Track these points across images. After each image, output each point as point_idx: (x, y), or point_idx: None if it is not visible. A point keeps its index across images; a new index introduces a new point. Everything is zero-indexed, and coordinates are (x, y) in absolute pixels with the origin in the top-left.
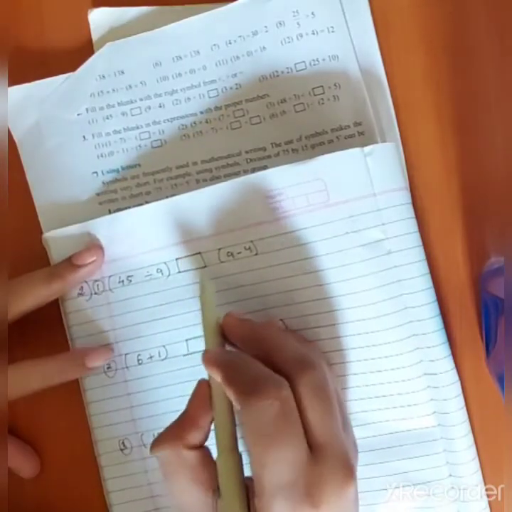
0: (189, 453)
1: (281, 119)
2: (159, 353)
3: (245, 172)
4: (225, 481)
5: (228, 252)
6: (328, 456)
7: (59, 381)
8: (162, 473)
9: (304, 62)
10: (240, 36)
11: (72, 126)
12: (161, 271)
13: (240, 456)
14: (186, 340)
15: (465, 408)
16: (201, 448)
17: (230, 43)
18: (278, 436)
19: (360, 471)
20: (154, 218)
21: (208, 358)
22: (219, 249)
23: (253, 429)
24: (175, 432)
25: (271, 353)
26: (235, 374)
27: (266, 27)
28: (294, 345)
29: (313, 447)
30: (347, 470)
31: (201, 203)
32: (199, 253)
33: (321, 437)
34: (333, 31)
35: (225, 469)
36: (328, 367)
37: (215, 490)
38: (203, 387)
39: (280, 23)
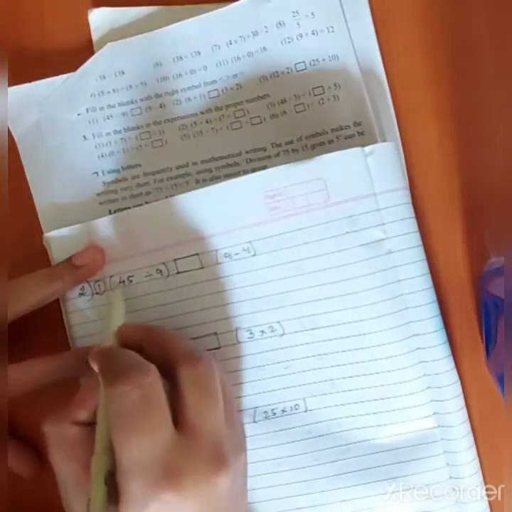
0: (71, 428)
1: (281, 119)
2: None
3: (245, 172)
4: (94, 479)
5: (226, 253)
6: (196, 442)
7: (59, 380)
8: (47, 447)
9: (304, 62)
10: (240, 36)
11: (72, 126)
12: (160, 271)
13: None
14: None
15: (465, 408)
16: (86, 426)
17: (231, 44)
18: (135, 420)
19: (359, 475)
20: (154, 218)
21: (91, 354)
22: (216, 250)
23: (113, 413)
24: (62, 410)
25: (161, 347)
26: (108, 364)
27: (266, 27)
28: (184, 342)
29: (182, 434)
30: (217, 460)
31: (200, 203)
32: (196, 254)
33: (191, 423)
34: (333, 31)
35: (95, 469)
36: (216, 363)
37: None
38: (94, 372)
39: (280, 24)
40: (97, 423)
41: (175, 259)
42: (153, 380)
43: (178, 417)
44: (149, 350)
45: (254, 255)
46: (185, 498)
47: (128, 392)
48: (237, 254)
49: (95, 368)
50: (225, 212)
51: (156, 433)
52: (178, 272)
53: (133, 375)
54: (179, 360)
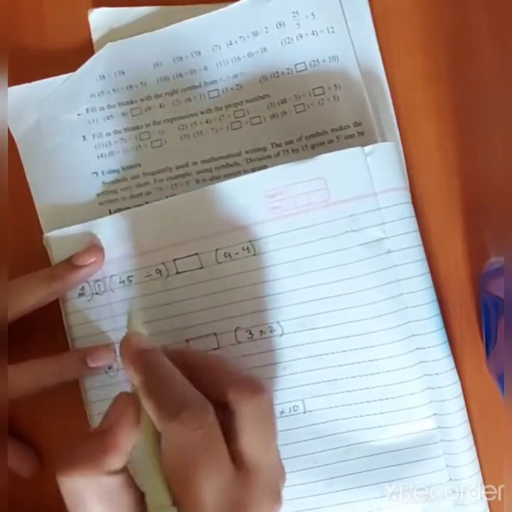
0: (109, 479)
1: (281, 119)
2: None
3: (245, 172)
4: (149, 477)
5: (226, 253)
6: (257, 480)
7: (59, 381)
8: (70, 504)
9: (304, 62)
10: (240, 37)
11: (72, 126)
12: (159, 271)
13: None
14: (187, 340)
15: (465, 409)
16: (122, 472)
17: (231, 44)
18: (200, 459)
19: (359, 477)
20: (154, 218)
21: (128, 352)
22: (216, 249)
23: (173, 454)
24: (91, 455)
25: (210, 373)
26: (158, 385)
27: (266, 28)
28: (237, 367)
29: (242, 469)
30: (275, 496)
31: (200, 203)
32: (196, 254)
33: (252, 460)
34: (333, 32)
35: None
36: (273, 395)
37: None
38: (124, 399)
39: (280, 24)
40: (144, 460)
41: (174, 259)
42: (214, 418)
43: (236, 453)
44: (199, 379)
45: (254, 255)
46: None
47: (192, 432)
48: (237, 253)
49: (135, 378)
50: (225, 211)
51: (220, 473)
52: (178, 272)
53: (196, 412)
54: (236, 390)
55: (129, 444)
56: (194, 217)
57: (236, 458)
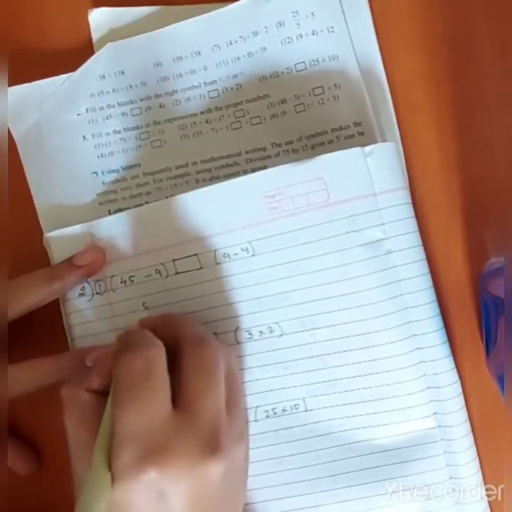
0: (85, 394)
1: (281, 119)
2: None
3: (245, 172)
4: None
5: (225, 254)
6: (191, 424)
7: (59, 380)
8: (63, 411)
9: (303, 62)
10: (240, 37)
11: (72, 127)
12: (159, 272)
13: None
14: None
15: (465, 408)
16: (100, 394)
17: (231, 44)
18: (134, 390)
19: (360, 475)
20: (154, 219)
21: (118, 335)
22: (215, 250)
23: (115, 381)
24: (79, 377)
25: (171, 330)
26: (121, 340)
27: (266, 27)
28: (194, 326)
29: (179, 412)
30: (210, 445)
31: (200, 203)
32: (195, 255)
33: (189, 405)
34: (332, 31)
35: (99, 438)
36: (227, 353)
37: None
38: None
39: (280, 24)
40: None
41: (174, 260)
42: (157, 353)
43: (176, 397)
44: (160, 332)
45: (253, 255)
46: (170, 478)
47: (131, 360)
48: (236, 254)
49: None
50: (224, 212)
51: (153, 406)
52: (177, 273)
53: (139, 346)
54: (185, 343)
55: (103, 368)
56: (194, 217)
57: (175, 401)
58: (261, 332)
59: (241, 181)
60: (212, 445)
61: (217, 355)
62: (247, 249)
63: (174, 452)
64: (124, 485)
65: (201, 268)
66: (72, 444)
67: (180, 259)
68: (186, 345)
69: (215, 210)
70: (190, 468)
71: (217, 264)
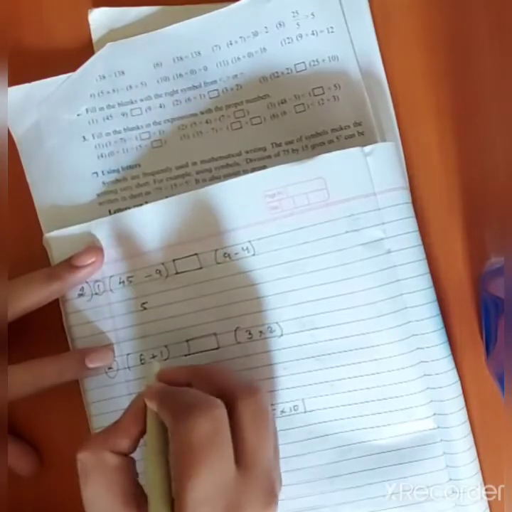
0: (112, 456)
1: (281, 119)
2: (161, 353)
3: (245, 172)
4: (152, 497)
5: (225, 253)
6: (254, 478)
7: (59, 381)
8: (80, 477)
9: (303, 62)
10: (240, 37)
11: (72, 127)
12: (159, 272)
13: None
14: (187, 340)
15: (465, 409)
16: (126, 457)
17: (231, 44)
18: (205, 453)
19: (359, 477)
20: (154, 219)
21: (146, 392)
22: (216, 250)
23: (180, 447)
24: (103, 436)
25: (213, 383)
26: (170, 400)
27: (266, 28)
28: (237, 375)
29: (241, 468)
30: (271, 495)
31: (200, 203)
32: (196, 254)
33: (251, 459)
34: (332, 32)
35: (153, 489)
36: (268, 396)
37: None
38: (139, 401)
39: (280, 24)
40: (147, 455)
41: (174, 260)
42: (222, 413)
43: (237, 451)
44: (199, 387)
45: (253, 255)
46: None
47: (200, 424)
48: (237, 254)
49: (153, 406)
50: (225, 211)
51: (223, 467)
52: (177, 273)
53: (204, 408)
54: (238, 393)
55: (134, 430)
56: (194, 217)
57: (236, 454)
58: (261, 332)
59: (241, 181)
60: (271, 495)
61: (268, 405)
62: (247, 248)
63: (243, 509)
64: None
65: (201, 268)
66: (95, 510)
67: (180, 259)
68: (240, 396)
69: (215, 210)
70: None
71: (218, 263)
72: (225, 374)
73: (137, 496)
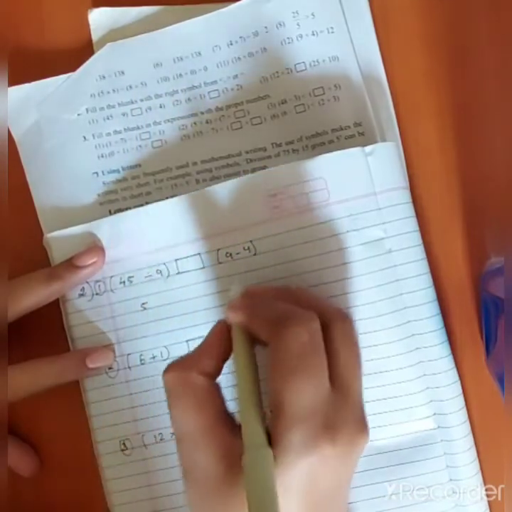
0: (199, 377)
1: (281, 119)
2: (161, 353)
3: (245, 172)
4: (245, 415)
5: (227, 253)
6: (347, 400)
7: (59, 382)
8: (168, 398)
9: (304, 63)
10: (240, 37)
11: (72, 127)
12: (160, 272)
13: (260, 397)
14: (187, 340)
15: (465, 408)
16: (213, 380)
17: (231, 44)
18: (306, 364)
19: (359, 477)
20: (155, 219)
21: (233, 305)
22: (218, 249)
23: (279, 358)
24: (189, 359)
25: (303, 300)
26: (264, 311)
27: (266, 28)
28: (321, 299)
29: (335, 387)
30: (362, 421)
31: (202, 203)
32: (198, 254)
33: (345, 382)
34: (333, 32)
35: (244, 404)
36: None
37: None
38: (222, 325)
39: (280, 24)
40: (236, 372)
41: (176, 260)
42: (318, 326)
43: (331, 373)
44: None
45: (255, 254)
46: (338, 453)
47: (299, 335)
48: (239, 253)
49: (238, 316)
50: (227, 211)
51: (320, 381)
52: (179, 272)
53: (303, 319)
54: (332, 315)
55: (219, 352)
56: (196, 217)
57: (331, 377)
58: None
59: (243, 181)
60: (363, 423)
61: (356, 331)
62: (249, 248)
63: (339, 428)
64: (295, 461)
65: (203, 267)
66: (186, 431)
67: (182, 258)
68: (333, 321)
69: (217, 209)
70: (350, 444)
71: (220, 263)
72: (315, 296)
73: (228, 418)
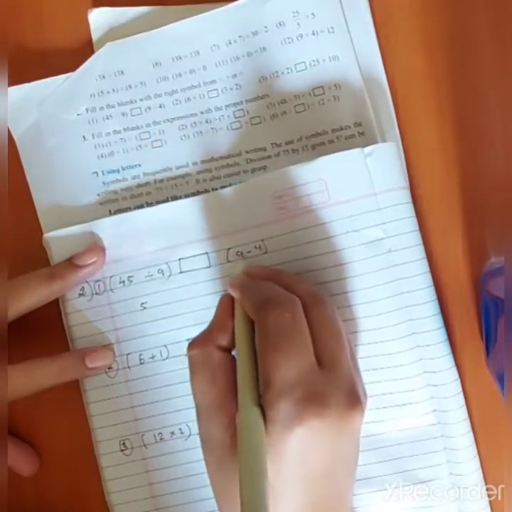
0: (216, 352)
1: (281, 119)
2: (161, 352)
3: (245, 172)
4: (241, 376)
5: (238, 252)
6: (335, 376)
7: (59, 382)
8: (190, 373)
9: (304, 62)
10: (240, 36)
11: (72, 127)
12: (162, 271)
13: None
14: (187, 340)
15: (465, 406)
16: (229, 353)
17: (230, 44)
18: (288, 340)
19: (359, 471)
20: (160, 220)
21: (231, 282)
22: (228, 248)
23: (266, 334)
24: (206, 335)
25: (289, 284)
26: (253, 291)
27: (266, 27)
28: (307, 283)
29: (322, 366)
30: (353, 396)
31: (209, 205)
32: (206, 253)
33: (330, 359)
34: (333, 32)
35: (242, 374)
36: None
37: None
38: (227, 298)
39: (280, 24)
40: (237, 346)
41: (180, 259)
42: (300, 308)
43: (316, 351)
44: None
45: (265, 253)
46: (327, 426)
47: (281, 315)
48: (249, 252)
49: (236, 294)
50: (235, 212)
51: (304, 357)
52: (181, 272)
53: (284, 301)
54: (310, 300)
55: (230, 324)
56: (204, 218)
57: (317, 355)
58: None
59: (249, 184)
60: (354, 396)
61: (336, 313)
62: (260, 247)
63: (327, 401)
64: (284, 431)
65: (210, 266)
66: (203, 404)
67: (187, 258)
68: (310, 305)
69: (225, 211)
70: (340, 418)
71: (229, 262)
72: (298, 280)
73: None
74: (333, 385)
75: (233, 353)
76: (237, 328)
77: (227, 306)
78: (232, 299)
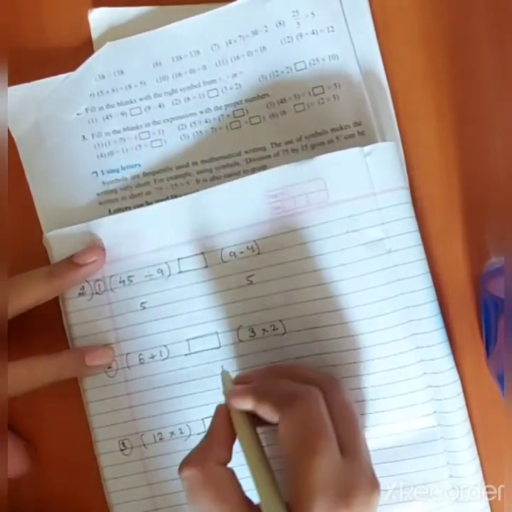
0: (217, 468)
1: (281, 118)
2: (161, 352)
3: (245, 172)
4: (265, 495)
5: (231, 252)
6: (357, 463)
7: (58, 379)
8: (188, 494)
9: (303, 62)
10: (239, 36)
11: (71, 126)
12: (161, 271)
13: (273, 474)
14: (187, 340)
15: (465, 407)
16: (228, 467)
17: (230, 43)
18: (320, 439)
19: None
20: (157, 219)
21: (234, 393)
22: (221, 249)
23: (292, 435)
24: (202, 452)
25: (295, 375)
26: (267, 393)
27: (266, 27)
28: (311, 370)
29: (343, 452)
30: (373, 481)
31: (204, 204)
32: (202, 253)
33: (350, 445)
34: (332, 31)
35: (262, 483)
36: (332, 389)
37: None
38: (222, 410)
39: (280, 23)
40: (247, 457)
41: (179, 258)
42: (322, 398)
43: (337, 440)
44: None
45: (258, 253)
46: None
47: (306, 410)
48: (242, 252)
49: (248, 404)
50: (229, 212)
51: (333, 452)
52: (181, 272)
53: (306, 394)
54: (323, 385)
55: (229, 440)
56: (197, 218)
57: (338, 443)
58: (264, 330)
59: (243, 181)
60: (375, 482)
61: (348, 393)
62: (252, 247)
63: (353, 494)
64: None
65: (207, 266)
66: None
67: (185, 258)
68: (326, 392)
69: (219, 210)
70: (365, 505)
71: (224, 262)
72: (306, 368)
73: (247, 501)
74: (358, 474)
75: (229, 465)
76: (243, 438)
77: (222, 419)
78: (226, 412)
